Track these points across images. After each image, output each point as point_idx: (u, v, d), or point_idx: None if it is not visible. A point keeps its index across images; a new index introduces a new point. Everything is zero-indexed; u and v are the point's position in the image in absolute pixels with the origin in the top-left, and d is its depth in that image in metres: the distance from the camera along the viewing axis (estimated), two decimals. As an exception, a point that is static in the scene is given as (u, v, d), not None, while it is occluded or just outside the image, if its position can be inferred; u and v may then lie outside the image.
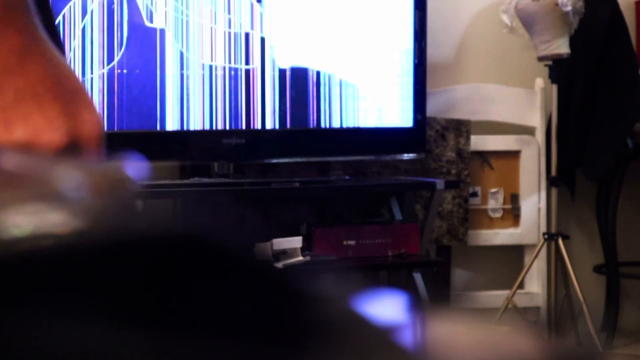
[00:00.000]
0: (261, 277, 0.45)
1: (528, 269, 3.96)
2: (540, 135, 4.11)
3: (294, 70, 3.64)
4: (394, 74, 3.75)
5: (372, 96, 3.73)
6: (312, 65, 3.66)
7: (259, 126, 3.60)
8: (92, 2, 3.44)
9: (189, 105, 3.53)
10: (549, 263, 4.02)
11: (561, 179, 4.01)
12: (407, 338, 0.46)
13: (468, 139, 3.99)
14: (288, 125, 3.64)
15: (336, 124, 3.69)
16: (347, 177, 3.81)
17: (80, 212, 0.45)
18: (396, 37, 3.75)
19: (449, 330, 0.50)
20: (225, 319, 0.43)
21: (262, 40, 3.61)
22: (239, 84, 3.58)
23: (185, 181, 3.54)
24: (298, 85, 3.64)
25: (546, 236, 3.93)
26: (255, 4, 3.60)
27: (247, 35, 3.59)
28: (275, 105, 3.61)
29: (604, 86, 3.99)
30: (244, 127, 3.58)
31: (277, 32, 3.62)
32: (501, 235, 4.11)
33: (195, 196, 3.42)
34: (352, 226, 3.66)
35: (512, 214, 4.11)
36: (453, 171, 3.97)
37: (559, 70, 3.89)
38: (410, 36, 3.76)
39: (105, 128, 3.51)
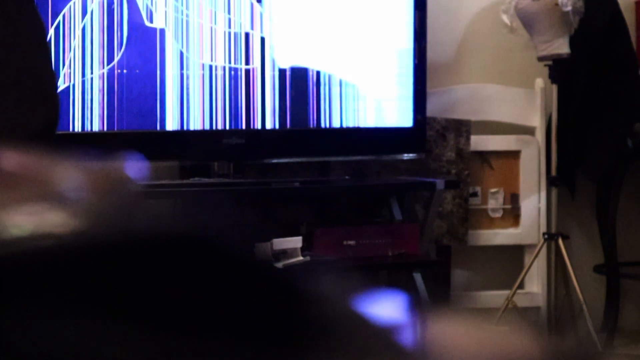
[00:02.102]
0: (261, 277, 0.45)
1: (528, 269, 3.96)
2: (540, 135, 4.11)
3: (294, 70, 3.64)
4: (394, 74, 3.75)
5: (372, 96, 3.73)
6: (312, 65, 3.66)
7: (259, 126, 3.60)
8: (92, 2, 3.43)
9: (189, 105, 3.53)
10: (549, 263, 4.02)
11: (561, 179, 4.01)
12: (407, 338, 0.46)
13: (468, 139, 3.99)
14: (288, 125, 3.63)
15: (336, 124, 3.69)
16: (347, 177, 3.81)
17: (80, 212, 0.45)
18: (396, 37, 3.75)
19: (449, 330, 0.50)
20: (225, 319, 0.43)
21: (262, 40, 3.60)
22: (239, 84, 3.58)
23: (185, 181, 3.54)
24: (298, 85, 3.64)
25: (546, 236, 3.93)
26: (255, 4, 3.60)
27: (247, 35, 3.59)
28: (275, 105, 3.61)
29: (604, 86, 3.99)
30: (244, 127, 3.58)
31: (277, 32, 3.62)
32: (501, 235, 4.11)
33: (195, 196, 3.42)
34: (352, 226, 3.66)
35: (512, 214, 4.11)
36: (453, 171, 3.97)
37: (559, 70, 3.89)
38: (410, 36, 3.76)
39: (105, 128, 3.50)
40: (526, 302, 4.05)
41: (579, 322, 3.95)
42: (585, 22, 3.83)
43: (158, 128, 3.50)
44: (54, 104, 1.19)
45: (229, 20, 3.57)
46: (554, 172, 3.94)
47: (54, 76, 1.23)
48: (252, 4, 3.59)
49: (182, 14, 3.52)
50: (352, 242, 3.60)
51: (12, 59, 1.13)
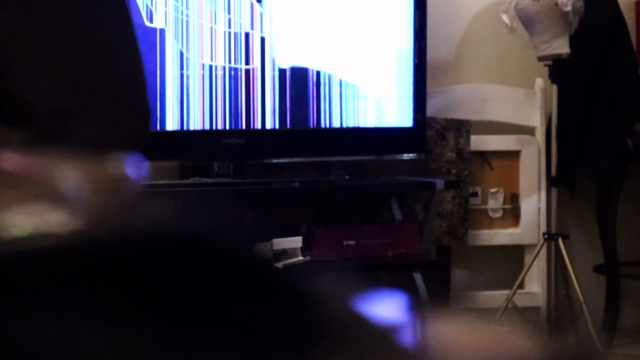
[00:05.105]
0: (261, 277, 0.45)
1: (528, 269, 3.96)
2: (540, 135, 4.11)
3: (294, 70, 3.64)
4: (393, 73, 3.75)
5: (372, 96, 3.73)
6: (312, 65, 3.66)
7: (259, 126, 3.60)
8: (92, 2, 3.43)
9: (189, 105, 3.53)
10: (549, 263, 4.02)
11: (561, 179, 4.01)
12: (407, 338, 0.46)
13: (468, 139, 3.99)
14: (288, 125, 3.63)
15: (336, 124, 3.69)
16: (347, 177, 3.81)
17: (80, 211, 0.45)
18: (396, 37, 3.75)
19: (449, 330, 0.50)
20: (225, 319, 0.43)
21: (262, 40, 3.60)
22: (239, 84, 3.58)
23: (185, 181, 3.54)
24: (298, 85, 3.64)
25: (546, 236, 3.93)
26: (255, 4, 3.60)
27: (247, 35, 3.59)
28: (275, 105, 3.61)
29: (604, 86, 3.99)
30: (244, 127, 3.58)
31: (277, 32, 3.62)
32: (501, 235, 4.11)
33: (195, 196, 3.42)
34: (352, 226, 3.66)
35: (512, 214, 4.11)
36: (453, 171, 3.97)
37: (559, 70, 3.89)
38: (410, 36, 3.76)
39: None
40: (526, 302, 4.05)
41: (579, 322, 3.95)
42: (585, 22, 3.83)
43: (158, 128, 3.50)
44: (147, 117, 1.05)
45: (229, 20, 3.57)
46: (554, 172, 3.94)
47: (145, 79, 1.07)
48: (252, 4, 3.59)
49: (182, 14, 3.52)
50: (352, 242, 3.60)
51: (108, 62, 1.00)
